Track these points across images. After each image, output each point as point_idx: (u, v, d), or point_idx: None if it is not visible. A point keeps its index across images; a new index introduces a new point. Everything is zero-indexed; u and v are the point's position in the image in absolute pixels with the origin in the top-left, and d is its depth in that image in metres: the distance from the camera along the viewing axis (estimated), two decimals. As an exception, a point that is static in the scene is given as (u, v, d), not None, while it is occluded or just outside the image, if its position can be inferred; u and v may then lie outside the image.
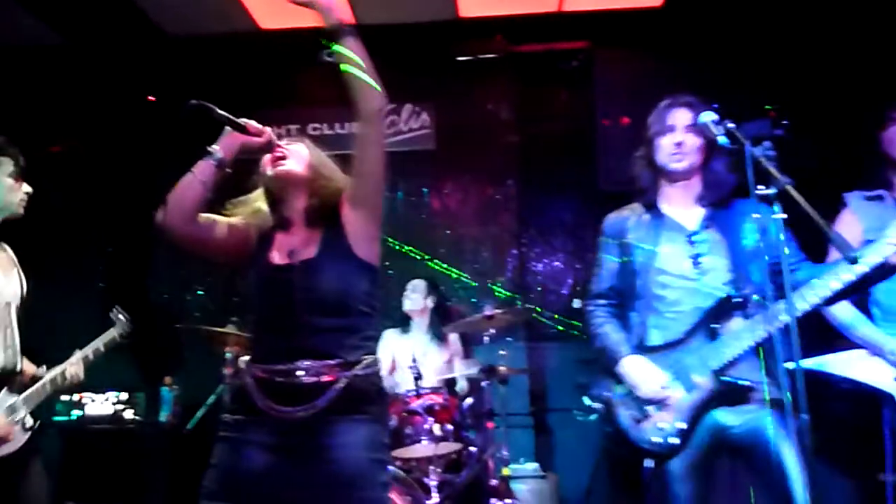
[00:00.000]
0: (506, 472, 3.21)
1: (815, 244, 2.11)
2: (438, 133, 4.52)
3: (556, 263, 4.46)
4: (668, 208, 2.21)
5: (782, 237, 1.82)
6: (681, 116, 2.17)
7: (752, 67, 4.11)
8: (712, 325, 2.04)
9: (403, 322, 3.75)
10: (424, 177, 4.52)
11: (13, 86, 4.39)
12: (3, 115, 4.29)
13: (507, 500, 3.18)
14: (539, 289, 4.43)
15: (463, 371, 3.51)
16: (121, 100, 4.63)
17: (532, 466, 3.71)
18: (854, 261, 1.88)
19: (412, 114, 4.55)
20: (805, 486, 1.86)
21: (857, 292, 2.15)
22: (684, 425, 2.00)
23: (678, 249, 2.13)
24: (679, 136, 2.14)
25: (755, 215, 1.95)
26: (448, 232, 4.46)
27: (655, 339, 2.10)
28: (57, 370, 2.50)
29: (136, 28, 4.26)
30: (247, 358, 1.79)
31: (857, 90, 3.82)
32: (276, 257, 1.79)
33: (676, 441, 2.00)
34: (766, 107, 3.75)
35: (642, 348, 2.10)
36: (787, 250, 1.84)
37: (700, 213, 2.17)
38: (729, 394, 2.01)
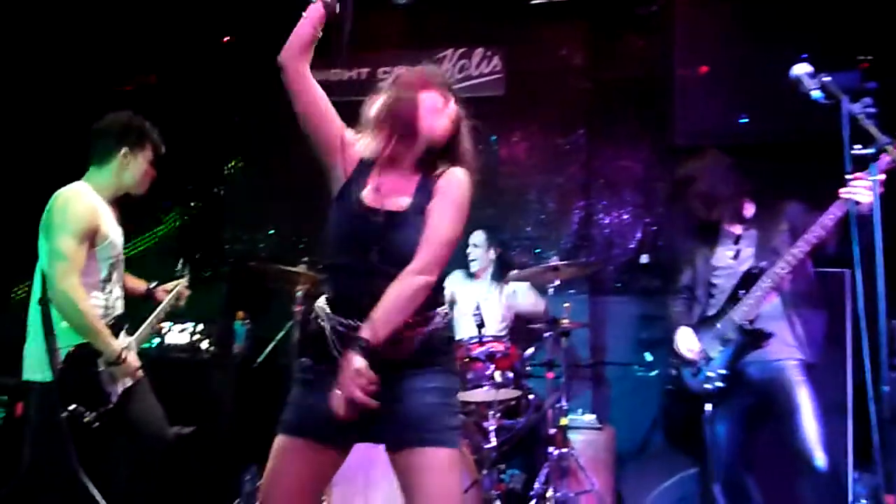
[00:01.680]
0: (563, 421, 3.25)
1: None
2: (509, 79, 4.43)
3: (624, 217, 4.37)
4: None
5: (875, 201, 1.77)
6: None
7: (845, 14, 3.84)
8: (738, 293, 2.68)
9: (467, 265, 3.78)
10: (493, 123, 4.46)
11: (89, 23, 4.49)
12: (80, 52, 4.45)
13: (564, 449, 3.23)
14: (604, 242, 4.36)
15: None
16: (197, 39, 4.69)
17: (589, 418, 3.74)
18: None
19: (483, 58, 4.46)
20: (818, 427, 2.48)
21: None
22: (724, 371, 2.65)
23: (726, 250, 2.80)
24: None
25: None
26: (514, 180, 4.42)
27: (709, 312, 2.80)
28: (155, 315, 2.79)
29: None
30: (323, 303, 1.81)
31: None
32: (369, 196, 1.78)
33: (721, 384, 2.65)
34: (859, 58, 3.52)
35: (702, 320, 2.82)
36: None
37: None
38: (753, 341, 2.61)
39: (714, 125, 3.99)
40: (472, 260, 3.80)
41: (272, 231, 4.66)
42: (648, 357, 4.22)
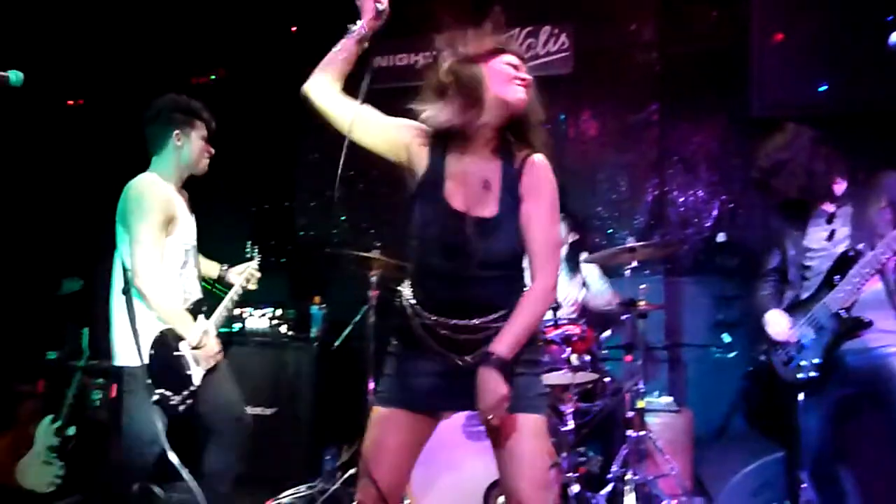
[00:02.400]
0: (641, 404, 3.22)
1: None
2: (577, 56, 4.34)
3: (700, 194, 4.25)
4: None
5: None
6: None
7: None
8: (833, 278, 2.53)
9: None
10: (561, 102, 4.39)
11: (162, 18, 4.62)
12: (154, 47, 4.60)
13: (642, 433, 3.20)
14: (679, 221, 4.25)
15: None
16: (266, 30, 4.78)
17: (666, 400, 3.69)
18: None
19: (550, 36, 4.38)
20: None
21: None
22: (818, 361, 2.53)
23: (819, 230, 2.62)
24: None
25: None
26: (584, 160, 4.34)
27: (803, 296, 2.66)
28: (228, 298, 2.89)
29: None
30: (409, 297, 1.81)
31: None
32: (454, 198, 1.76)
33: (815, 374, 2.54)
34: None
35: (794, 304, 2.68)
36: None
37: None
38: (849, 330, 2.47)
39: (793, 95, 3.83)
40: None
41: (343, 217, 4.74)
42: (726, 338, 4.11)
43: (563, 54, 4.37)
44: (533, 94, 1.78)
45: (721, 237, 4.17)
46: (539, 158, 1.79)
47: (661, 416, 3.56)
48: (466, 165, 1.77)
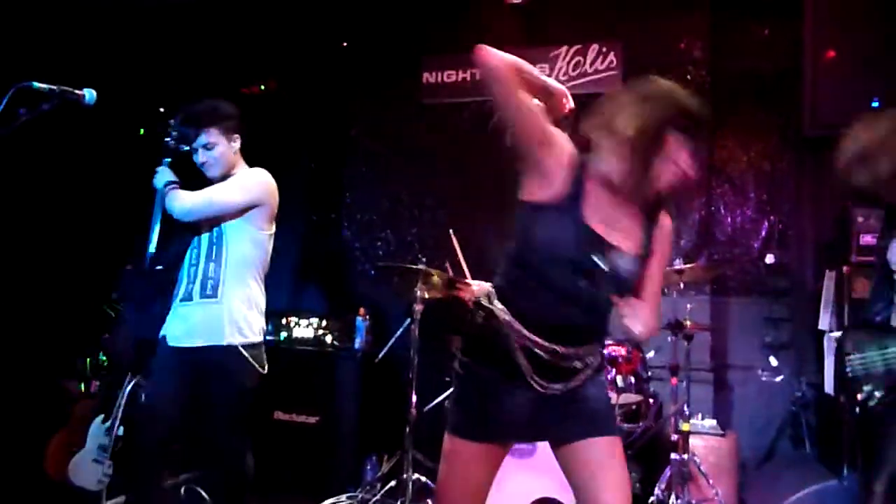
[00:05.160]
0: (685, 427, 3.18)
1: None
2: (625, 74, 4.34)
3: (748, 213, 4.19)
4: None
5: None
6: None
7: None
8: None
9: None
10: (609, 121, 4.38)
11: (211, 30, 4.72)
12: (203, 58, 4.72)
13: (685, 455, 3.16)
14: (727, 241, 4.19)
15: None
16: (316, 45, 4.88)
17: (710, 423, 3.63)
18: None
19: (598, 54, 4.39)
20: None
21: None
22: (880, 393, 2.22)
23: None
24: None
25: None
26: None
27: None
28: None
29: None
30: (506, 312, 1.69)
31: None
32: (596, 224, 1.67)
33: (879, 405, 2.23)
34: None
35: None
36: None
37: None
38: None
39: (846, 114, 3.74)
40: None
41: (386, 232, 4.79)
42: (773, 361, 4.04)
43: (612, 73, 4.37)
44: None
45: (770, 258, 4.10)
46: (668, 220, 1.80)
47: (705, 439, 3.51)
48: (608, 195, 1.69)
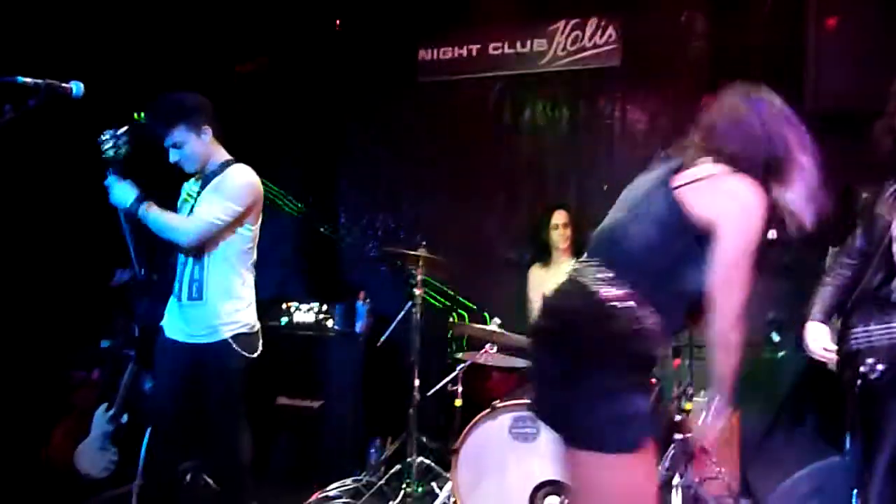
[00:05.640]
0: (688, 406, 3.18)
1: None
2: (625, 48, 4.26)
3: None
4: None
5: None
6: None
7: None
8: None
9: (543, 254, 3.77)
10: (609, 96, 4.32)
11: (203, 7, 4.58)
12: (195, 36, 4.61)
13: (688, 435, 3.16)
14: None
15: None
16: (309, 23, 4.78)
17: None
18: None
19: (597, 28, 4.30)
20: None
21: None
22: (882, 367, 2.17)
23: None
24: None
25: None
26: (634, 155, 4.27)
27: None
28: None
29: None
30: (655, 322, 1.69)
31: None
32: None
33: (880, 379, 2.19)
34: None
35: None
36: None
37: None
38: None
39: (851, 88, 3.69)
40: (555, 234, 3.85)
41: (384, 214, 4.74)
42: (776, 337, 4.02)
43: (611, 47, 4.29)
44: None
45: (771, 234, 4.05)
46: None
47: (699, 415, 3.50)
48: None
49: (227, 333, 2.63)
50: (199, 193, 2.71)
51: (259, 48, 4.88)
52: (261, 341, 2.76)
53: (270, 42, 4.82)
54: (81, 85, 2.14)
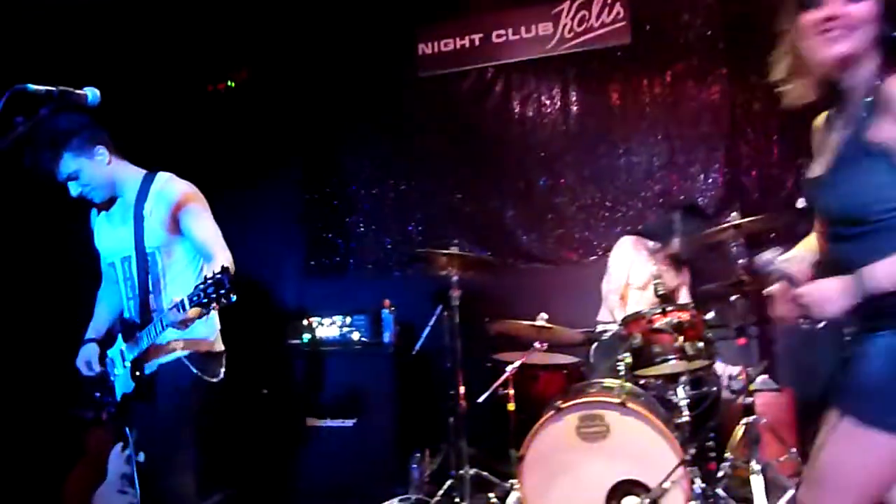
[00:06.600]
0: (750, 387, 3.04)
1: None
2: (634, 25, 4.12)
3: (774, 158, 4.03)
4: None
5: None
6: None
7: None
8: None
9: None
10: (619, 76, 4.18)
11: (187, 22, 4.39)
12: (177, 51, 4.37)
13: (753, 417, 3.02)
14: (757, 191, 4.03)
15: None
16: (295, 28, 4.56)
17: (763, 379, 3.51)
18: None
19: (604, 6, 4.15)
20: None
21: None
22: None
23: None
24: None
25: None
26: (651, 135, 4.14)
27: None
28: None
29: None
30: None
31: None
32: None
33: None
34: None
35: None
36: None
37: None
38: None
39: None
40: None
41: (393, 218, 4.53)
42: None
43: (619, 24, 4.15)
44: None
45: (801, 203, 3.96)
46: None
47: (761, 396, 3.38)
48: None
49: (183, 351, 2.38)
50: (137, 220, 2.35)
51: (245, 56, 4.64)
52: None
53: (260, 48, 4.59)
54: (97, 91, 1.92)
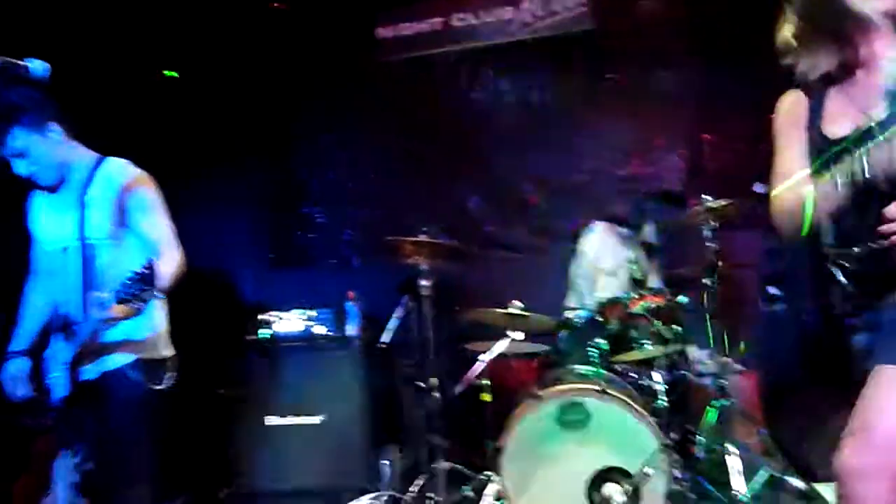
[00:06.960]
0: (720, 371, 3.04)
1: None
2: (596, 10, 4.09)
3: (739, 148, 4.07)
4: None
5: None
6: None
7: None
8: None
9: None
10: (582, 63, 4.15)
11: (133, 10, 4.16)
12: (127, 40, 4.13)
13: (727, 400, 3.03)
14: (719, 177, 4.07)
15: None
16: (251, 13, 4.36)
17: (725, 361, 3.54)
18: None
19: (565, -9, 4.12)
20: None
21: None
22: None
23: None
24: None
25: None
26: (617, 121, 4.11)
27: None
28: None
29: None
30: None
31: None
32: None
33: None
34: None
35: None
36: None
37: None
38: None
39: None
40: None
41: (357, 209, 4.40)
42: (773, 291, 3.98)
43: (581, 9, 4.12)
44: None
45: (758, 188, 4.01)
46: None
47: (728, 379, 3.41)
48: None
49: (128, 357, 2.26)
50: (81, 206, 2.19)
51: (202, 40, 4.41)
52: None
53: (207, 38, 4.36)
54: (47, 65, 1.75)
